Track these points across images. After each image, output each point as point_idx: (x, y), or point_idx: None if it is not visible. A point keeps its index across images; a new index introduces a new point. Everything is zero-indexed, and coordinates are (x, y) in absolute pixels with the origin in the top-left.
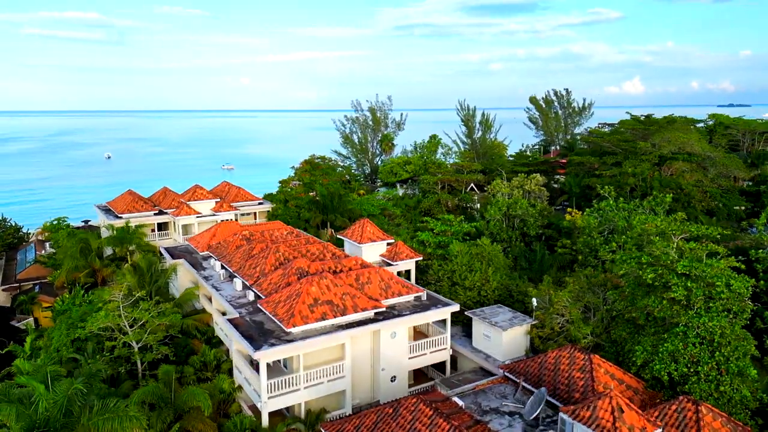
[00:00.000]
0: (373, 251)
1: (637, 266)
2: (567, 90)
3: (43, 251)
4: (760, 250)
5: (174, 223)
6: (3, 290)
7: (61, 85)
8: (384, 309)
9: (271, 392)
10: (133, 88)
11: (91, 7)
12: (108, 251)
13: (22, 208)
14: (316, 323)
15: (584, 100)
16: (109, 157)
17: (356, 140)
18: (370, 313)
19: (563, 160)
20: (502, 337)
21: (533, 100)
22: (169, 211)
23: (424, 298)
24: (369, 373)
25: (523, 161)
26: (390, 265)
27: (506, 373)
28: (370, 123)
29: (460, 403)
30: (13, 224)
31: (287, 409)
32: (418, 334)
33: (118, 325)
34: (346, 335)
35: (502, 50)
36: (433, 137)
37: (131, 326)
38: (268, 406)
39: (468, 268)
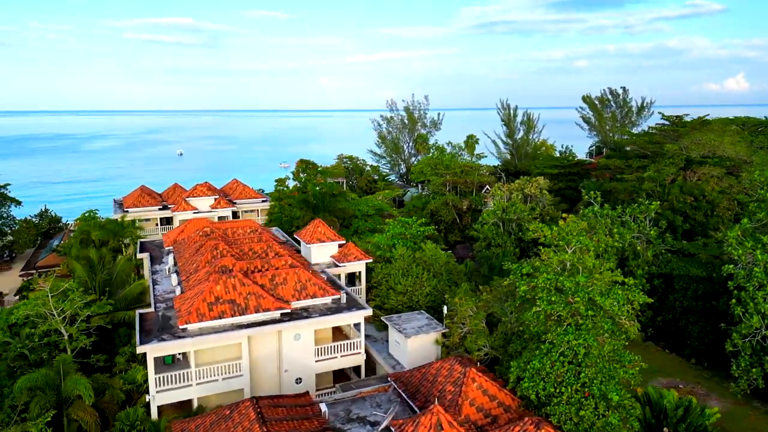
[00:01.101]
0: (322, 252)
1: (516, 277)
2: (624, 88)
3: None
4: (730, 266)
5: (174, 218)
6: (20, 276)
7: (159, 86)
8: (290, 310)
9: (160, 386)
10: (223, 89)
11: (186, 12)
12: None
13: (83, 200)
14: (212, 321)
15: (643, 98)
16: (181, 154)
17: (393, 140)
18: (276, 314)
19: (593, 163)
20: (407, 344)
21: (586, 99)
22: (172, 206)
23: (343, 301)
24: (275, 374)
25: (553, 163)
26: (338, 266)
27: (392, 382)
28: (407, 123)
29: (324, 409)
30: (53, 215)
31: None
32: (344, 336)
33: (44, 314)
34: (243, 335)
35: (589, 47)
36: (470, 137)
37: (63, 316)
38: (156, 399)
39: (403, 273)
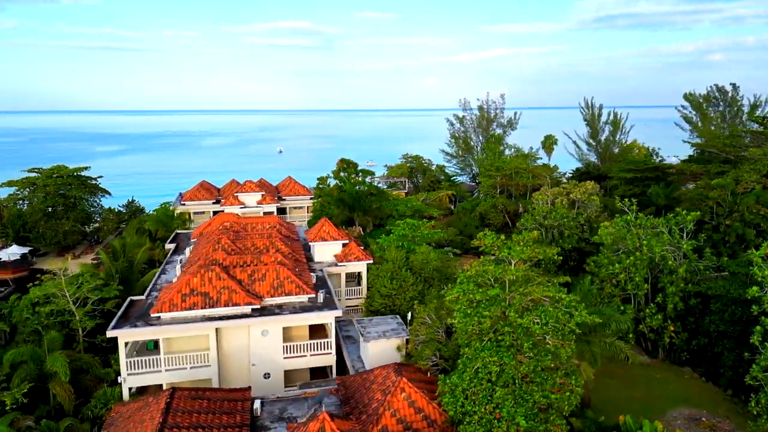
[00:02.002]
0: (324, 250)
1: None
2: (733, 85)
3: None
4: (755, 288)
5: (224, 211)
6: (92, 260)
7: (275, 87)
8: (258, 306)
9: (131, 370)
10: (334, 90)
11: (302, 16)
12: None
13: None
14: (183, 312)
15: (755, 96)
16: (280, 152)
17: (465, 140)
18: (246, 309)
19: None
20: (368, 348)
21: (689, 97)
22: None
23: (320, 300)
24: (245, 368)
25: (629, 167)
26: (338, 265)
27: (337, 385)
28: (483, 122)
29: (257, 406)
30: (137, 205)
31: None
32: (325, 335)
33: (57, 295)
34: (210, 327)
35: (725, 39)
36: (549, 137)
37: (76, 298)
38: (127, 382)
39: (391, 276)
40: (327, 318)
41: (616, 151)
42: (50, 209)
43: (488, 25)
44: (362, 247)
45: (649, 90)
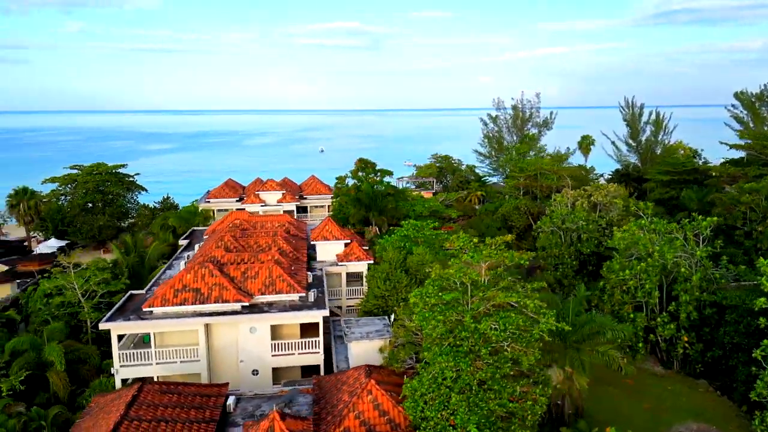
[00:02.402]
0: (326, 250)
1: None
2: None
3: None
4: (762, 299)
5: (246, 209)
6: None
7: (324, 87)
8: (247, 303)
9: (123, 362)
10: (383, 89)
11: (352, 17)
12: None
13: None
14: (174, 307)
15: None
16: (322, 151)
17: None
18: (235, 306)
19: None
20: (350, 349)
21: (740, 95)
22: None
23: (311, 299)
24: (234, 363)
25: (665, 168)
26: (338, 265)
27: (313, 384)
28: (517, 122)
29: (230, 402)
30: (172, 202)
31: None
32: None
33: (66, 287)
34: (199, 322)
35: None
36: (585, 138)
37: (84, 291)
38: (120, 373)
39: (386, 277)
40: (315, 317)
41: (659, 152)
42: (90, 205)
43: (542, 23)
44: (367, 248)
45: (712, 87)
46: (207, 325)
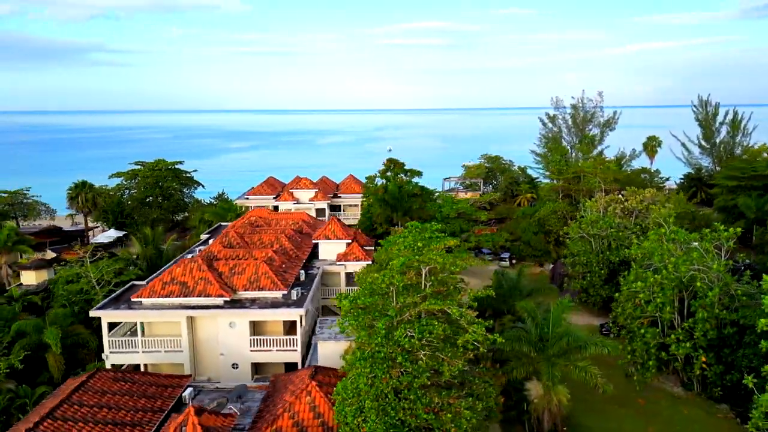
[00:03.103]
0: (328, 249)
1: None
2: None
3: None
4: (763, 320)
5: (279, 206)
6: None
7: (408, 86)
8: (228, 298)
9: (113, 348)
10: (468, 87)
11: (440, 16)
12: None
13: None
14: (160, 299)
15: None
16: (390, 150)
17: (561, 140)
18: (218, 300)
19: None
20: (318, 348)
21: None
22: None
23: (293, 297)
24: (216, 356)
25: (732, 173)
26: (337, 265)
27: (270, 381)
28: (577, 122)
29: (185, 394)
30: (226, 198)
31: None
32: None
33: (80, 274)
34: (182, 314)
35: None
36: (651, 139)
37: (99, 279)
38: (109, 359)
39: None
40: (292, 315)
41: (739, 154)
42: (150, 198)
43: (636, 17)
44: (371, 248)
45: None
46: (191, 318)
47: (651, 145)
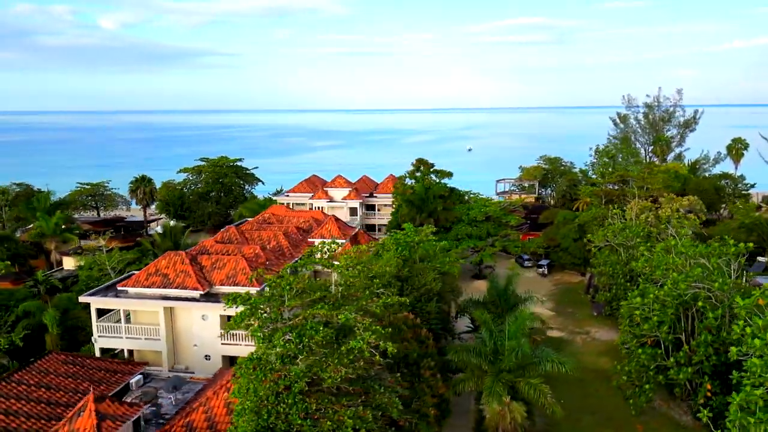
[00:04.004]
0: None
1: None
2: None
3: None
4: (734, 348)
5: (313, 204)
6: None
7: (507, 84)
8: (203, 291)
9: (100, 333)
10: (568, 85)
11: (536, 12)
12: None
13: None
14: (142, 288)
15: None
16: (470, 150)
17: (633, 142)
18: (194, 293)
19: None
20: None
21: None
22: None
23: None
24: (192, 347)
25: None
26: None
27: (214, 375)
28: (652, 122)
29: (133, 380)
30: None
31: None
32: None
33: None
34: (159, 305)
35: None
36: (737, 141)
37: (112, 268)
38: (98, 342)
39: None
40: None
41: None
42: (212, 193)
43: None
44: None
45: None
46: (170, 309)
47: (735, 148)
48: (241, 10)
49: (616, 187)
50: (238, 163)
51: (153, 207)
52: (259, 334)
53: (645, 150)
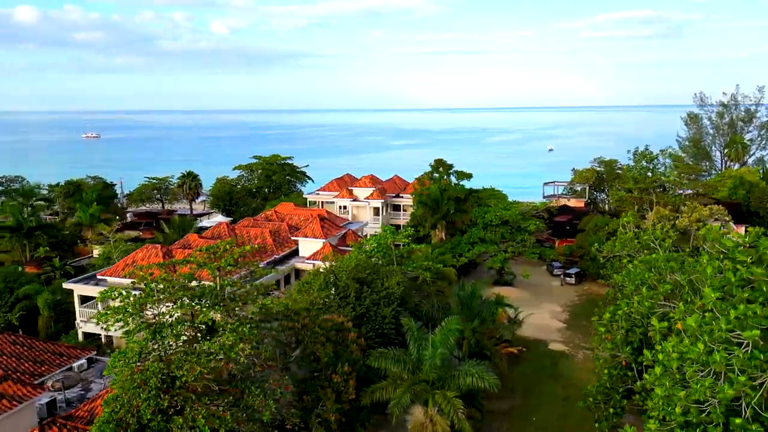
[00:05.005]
0: (307, 247)
1: None
2: None
3: None
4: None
5: (337, 203)
6: None
7: (610, 82)
8: None
9: (81, 318)
10: (679, 82)
11: (644, 4)
12: None
13: None
14: (118, 278)
15: None
16: (551, 150)
17: (706, 144)
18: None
19: None
20: None
21: None
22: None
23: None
24: None
25: None
26: (305, 263)
27: None
28: (731, 122)
29: (77, 363)
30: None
31: None
32: None
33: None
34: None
35: None
36: None
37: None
38: (82, 327)
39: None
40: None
41: None
42: (265, 190)
43: None
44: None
45: None
46: None
47: None
48: (338, 12)
49: (653, 193)
50: (289, 161)
51: (197, 201)
52: (113, 327)
53: (721, 153)
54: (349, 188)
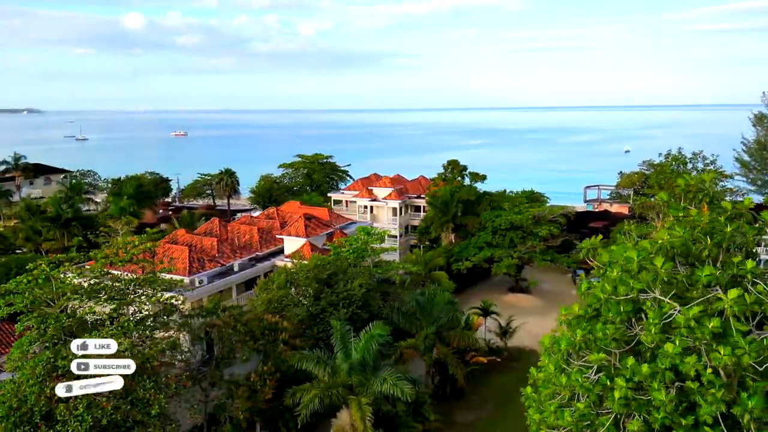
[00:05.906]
0: (291, 245)
1: None
2: None
3: None
4: None
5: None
6: None
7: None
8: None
9: None
10: None
11: None
12: None
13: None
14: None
15: None
16: (627, 151)
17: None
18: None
19: None
20: None
21: None
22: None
23: (192, 283)
24: None
25: None
26: (284, 260)
27: None
28: None
29: None
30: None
31: None
32: None
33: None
34: None
35: None
36: None
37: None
38: None
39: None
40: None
41: None
42: (308, 189)
43: None
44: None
45: None
46: None
47: None
48: (423, 12)
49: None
50: (330, 160)
51: (243, 197)
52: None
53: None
54: (369, 188)
